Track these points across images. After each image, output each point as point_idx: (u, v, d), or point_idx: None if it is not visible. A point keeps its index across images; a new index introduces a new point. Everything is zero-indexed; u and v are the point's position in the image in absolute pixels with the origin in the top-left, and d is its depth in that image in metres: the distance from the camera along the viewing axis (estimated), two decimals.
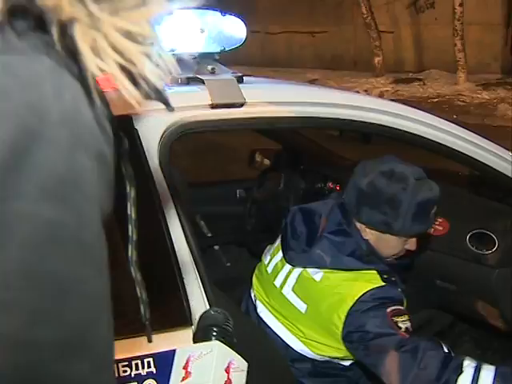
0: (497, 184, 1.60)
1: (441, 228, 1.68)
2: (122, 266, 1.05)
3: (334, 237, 1.32)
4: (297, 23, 10.50)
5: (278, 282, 1.39)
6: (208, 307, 1.08)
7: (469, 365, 1.15)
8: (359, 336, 1.22)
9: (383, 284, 1.26)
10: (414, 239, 1.35)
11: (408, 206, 1.27)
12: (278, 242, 1.45)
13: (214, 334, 0.98)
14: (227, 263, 2.04)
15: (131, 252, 0.49)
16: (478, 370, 1.13)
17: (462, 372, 1.13)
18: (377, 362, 1.21)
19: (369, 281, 1.27)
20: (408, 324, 1.22)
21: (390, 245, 1.34)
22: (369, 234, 1.33)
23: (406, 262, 1.44)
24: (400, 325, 1.20)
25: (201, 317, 1.03)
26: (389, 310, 1.21)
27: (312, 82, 8.02)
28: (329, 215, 1.37)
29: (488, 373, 1.13)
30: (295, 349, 1.34)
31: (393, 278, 1.31)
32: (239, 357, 0.99)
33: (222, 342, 0.98)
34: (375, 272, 1.30)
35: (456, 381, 1.12)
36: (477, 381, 1.12)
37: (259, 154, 2.13)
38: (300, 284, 1.34)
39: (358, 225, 1.34)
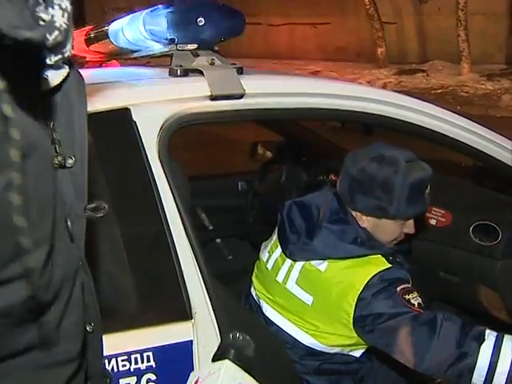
0: (500, 175, 1.58)
1: (444, 219, 1.67)
2: (122, 261, 1.06)
3: (334, 226, 1.31)
4: (299, 15, 10.43)
5: (280, 278, 1.37)
6: (208, 301, 1.08)
7: (490, 333, 1.16)
8: (372, 319, 1.21)
9: (390, 266, 1.26)
10: (411, 222, 1.35)
11: (401, 189, 1.27)
12: (275, 237, 1.43)
13: (231, 355, 0.98)
14: (229, 256, 2.03)
15: (12, 197, 0.46)
16: (500, 339, 1.15)
17: (484, 340, 1.14)
18: (392, 341, 1.20)
19: (375, 264, 1.27)
20: (419, 300, 1.22)
21: (387, 230, 1.33)
22: (365, 222, 1.32)
23: (406, 248, 1.43)
24: (412, 301, 1.21)
25: (223, 338, 1.04)
26: (398, 288, 1.21)
27: (315, 73, 7.99)
28: (326, 205, 1.36)
29: (510, 342, 1.14)
30: (304, 343, 1.33)
31: (398, 259, 1.31)
32: (253, 381, 0.97)
33: (237, 364, 0.97)
34: (380, 256, 1.29)
35: (478, 350, 1.13)
36: (499, 349, 1.13)
37: (261, 146, 2.12)
38: (304, 276, 1.33)
39: (354, 213, 1.33)
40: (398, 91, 1.59)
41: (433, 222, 1.68)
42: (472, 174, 1.77)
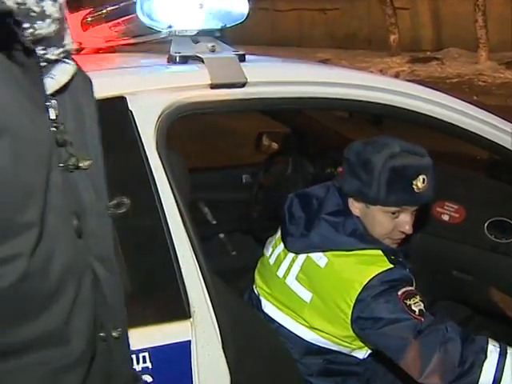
0: None
1: (457, 215, 1.62)
2: (117, 256, 1.02)
3: (333, 218, 1.29)
4: (307, 0, 10.26)
5: (280, 272, 1.35)
6: (208, 299, 1.04)
7: (493, 349, 1.14)
8: (371, 323, 1.19)
9: (391, 266, 1.23)
10: (406, 219, 1.28)
11: (381, 170, 1.22)
12: (279, 233, 1.41)
13: None
14: (233, 252, 2.00)
15: None
16: (502, 355, 1.13)
17: (486, 358, 1.13)
18: (391, 347, 1.19)
19: (376, 263, 1.23)
20: (421, 305, 1.19)
21: (376, 221, 1.27)
22: (357, 210, 1.29)
23: (404, 249, 1.37)
24: (413, 308, 1.18)
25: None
26: (400, 292, 1.18)
27: (324, 61, 7.89)
28: (326, 197, 1.33)
29: None
30: (306, 339, 1.30)
31: (400, 259, 1.28)
32: None
33: None
34: (381, 253, 1.26)
35: (481, 367, 1.12)
36: (502, 367, 1.12)
37: (266, 137, 2.07)
38: (304, 272, 1.30)
39: (349, 200, 1.30)
40: (410, 80, 1.53)
41: (445, 217, 1.64)
42: (487, 167, 1.72)
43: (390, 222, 1.27)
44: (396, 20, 8.59)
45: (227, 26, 1.21)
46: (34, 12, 0.53)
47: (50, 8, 0.54)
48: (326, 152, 1.94)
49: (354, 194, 1.28)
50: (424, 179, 1.24)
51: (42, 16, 0.53)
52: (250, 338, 1.20)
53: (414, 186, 1.24)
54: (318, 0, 10.19)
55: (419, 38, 9.24)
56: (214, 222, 1.99)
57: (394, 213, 1.26)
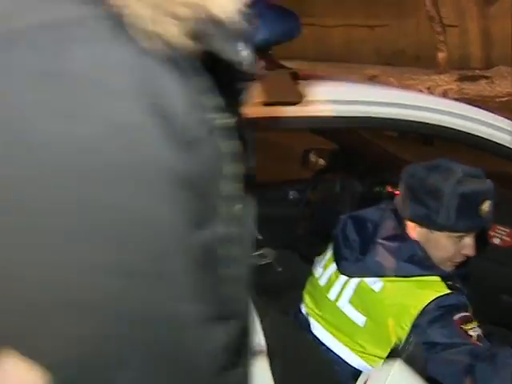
0: None
1: (508, 239, 1.59)
2: None
3: (389, 243, 1.27)
4: (355, 16, 10.24)
5: (332, 295, 1.34)
6: (255, 316, 1.03)
7: None
8: (426, 348, 1.16)
9: (449, 292, 1.20)
10: (469, 242, 1.26)
11: (450, 197, 1.21)
12: (330, 253, 1.40)
13: (402, 356, 1.02)
14: (278, 268, 1.99)
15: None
16: None
17: None
18: (446, 373, 1.14)
19: (433, 288, 1.21)
20: (478, 331, 1.16)
21: (440, 245, 1.26)
22: (418, 235, 1.27)
23: (462, 272, 1.34)
24: (470, 333, 1.15)
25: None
26: (456, 317, 1.16)
27: (371, 78, 7.83)
28: (382, 220, 1.32)
29: None
30: (353, 365, 1.28)
31: (457, 285, 1.25)
32: None
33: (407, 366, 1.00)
34: (438, 278, 1.24)
35: None
36: None
37: (314, 154, 2.06)
38: (358, 296, 1.29)
39: (408, 225, 1.29)
40: (459, 99, 1.51)
41: (496, 241, 1.60)
42: None
43: (454, 245, 1.26)
44: (445, 37, 8.44)
45: (280, 42, 1.23)
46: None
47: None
48: (374, 171, 1.92)
49: (420, 220, 1.27)
50: (489, 203, 1.24)
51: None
52: (298, 358, 1.19)
53: (480, 211, 1.24)
54: (366, 16, 10.15)
55: (468, 56, 9.05)
56: (260, 237, 1.99)
57: (458, 237, 1.26)
